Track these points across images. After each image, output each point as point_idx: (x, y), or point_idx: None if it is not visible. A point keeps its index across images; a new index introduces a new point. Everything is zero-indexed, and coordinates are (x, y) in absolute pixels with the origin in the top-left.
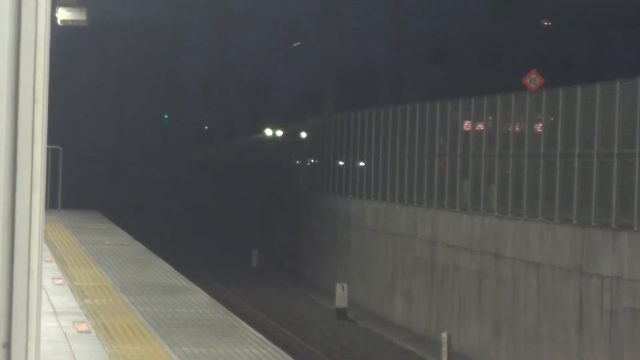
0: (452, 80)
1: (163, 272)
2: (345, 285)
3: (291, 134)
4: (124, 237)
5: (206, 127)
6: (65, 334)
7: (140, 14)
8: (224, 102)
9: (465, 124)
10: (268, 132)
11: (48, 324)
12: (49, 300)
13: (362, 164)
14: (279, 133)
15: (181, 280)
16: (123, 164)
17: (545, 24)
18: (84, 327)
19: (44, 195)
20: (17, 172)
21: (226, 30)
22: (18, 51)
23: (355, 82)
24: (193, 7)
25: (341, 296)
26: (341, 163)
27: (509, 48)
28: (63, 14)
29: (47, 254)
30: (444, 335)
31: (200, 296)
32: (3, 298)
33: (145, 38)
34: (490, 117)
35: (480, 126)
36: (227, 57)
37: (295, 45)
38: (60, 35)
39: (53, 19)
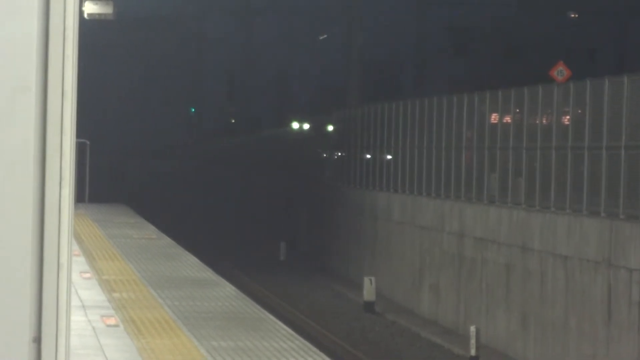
0: (476, 72)
1: (190, 265)
2: (373, 279)
3: (317, 127)
4: (151, 231)
5: (232, 120)
6: (93, 328)
7: (164, 7)
8: (248, 94)
9: (493, 117)
10: (295, 125)
11: (76, 318)
12: (77, 294)
13: (389, 156)
14: (306, 126)
15: (209, 274)
16: (149, 157)
17: (572, 15)
18: (112, 321)
19: (73, 189)
20: (47, 166)
21: (249, 23)
22: (47, 44)
23: (378, 74)
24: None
25: (369, 289)
26: (368, 156)
27: (534, 39)
28: (90, 8)
29: (75, 248)
30: (472, 328)
31: (228, 289)
32: (33, 293)
33: (169, 31)
34: (518, 110)
35: (507, 119)
36: (250, 50)
37: (321, 38)
38: (85, 28)
39: (80, 12)
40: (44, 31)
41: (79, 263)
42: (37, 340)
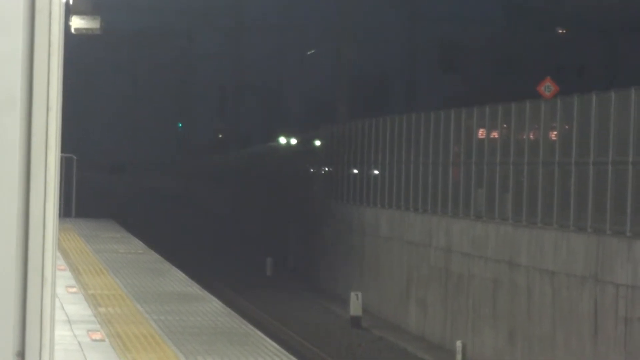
0: (466, 87)
1: (177, 280)
2: (360, 294)
3: (305, 142)
4: (138, 246)
5: (220, 136)
6: (79, 343)
7: (153, 22)
8: (237, 110)
9: (480, 132)
10: (282, 140)
11: (62, 333)
12: (63, 309)
13: (376, 172)
14: (293, 141)
15: (195, 289)
16: (137, 172)
17: (560, 31)
18: (98, 335)
19: (58, 204)
20: (31, 180)
21: (239, 39)
22: (32, 59)
23: (368, 90)
24: (206, 15)
25: (355, 304)
26: (355, 171)
27: (523, 55)
28: (77, 22)
29: (61, 262)
30: (459, 343)
31: (215, 304)
32: (17, 307)
33: (158, 46)
34: (505, 125)
35: (494, 134)
36: (240, 65)
37: (309, 53)
38: (73, 43)
39: (67, 27)
40: (29, 47)
41: (65, 277)
42: (21, 354)
